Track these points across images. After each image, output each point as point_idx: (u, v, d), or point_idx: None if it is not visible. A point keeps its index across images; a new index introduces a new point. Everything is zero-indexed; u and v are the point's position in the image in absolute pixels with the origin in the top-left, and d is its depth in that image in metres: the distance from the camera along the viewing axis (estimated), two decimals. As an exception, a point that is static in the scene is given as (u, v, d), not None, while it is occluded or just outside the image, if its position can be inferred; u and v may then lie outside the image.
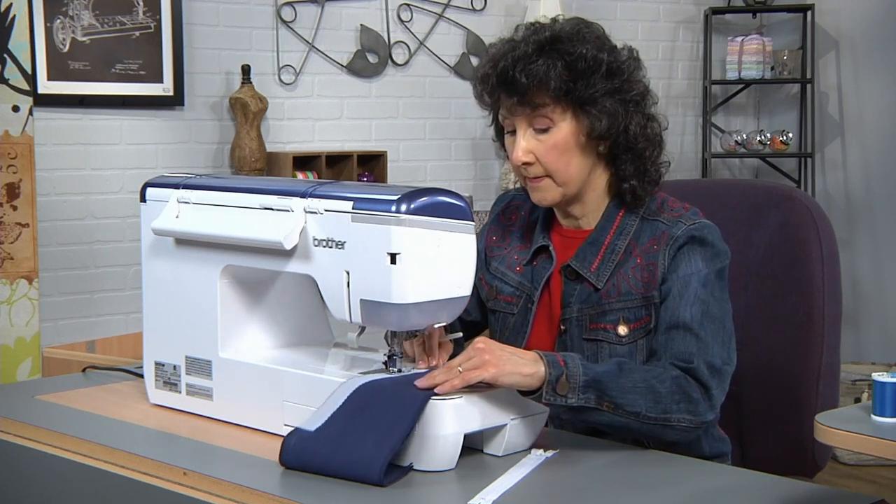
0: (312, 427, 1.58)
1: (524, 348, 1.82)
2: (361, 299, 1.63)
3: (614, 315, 1.85)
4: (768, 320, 2.13)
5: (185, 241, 1.85)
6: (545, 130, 1.84)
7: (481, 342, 1.65)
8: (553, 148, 1.84)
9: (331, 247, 1.65)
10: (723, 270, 1.86)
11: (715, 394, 1.77)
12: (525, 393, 1.66)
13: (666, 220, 1.87)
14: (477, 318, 2.06)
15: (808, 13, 5.36)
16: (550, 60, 1.81)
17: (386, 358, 1.72)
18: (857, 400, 4.46)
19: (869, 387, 1.93)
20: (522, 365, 1.64)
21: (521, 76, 1.81)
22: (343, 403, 1.60)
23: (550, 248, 1.92)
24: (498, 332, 1.97)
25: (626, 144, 1.86)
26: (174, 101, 4.31)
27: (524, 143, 1.85)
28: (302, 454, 1.56)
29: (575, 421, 1.74)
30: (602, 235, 1.89)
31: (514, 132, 1.88)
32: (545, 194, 1.88)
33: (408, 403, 1.57)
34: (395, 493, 1.49)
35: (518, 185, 2.01)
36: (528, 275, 1.94)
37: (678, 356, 1.78)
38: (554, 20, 1.89)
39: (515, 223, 2.02)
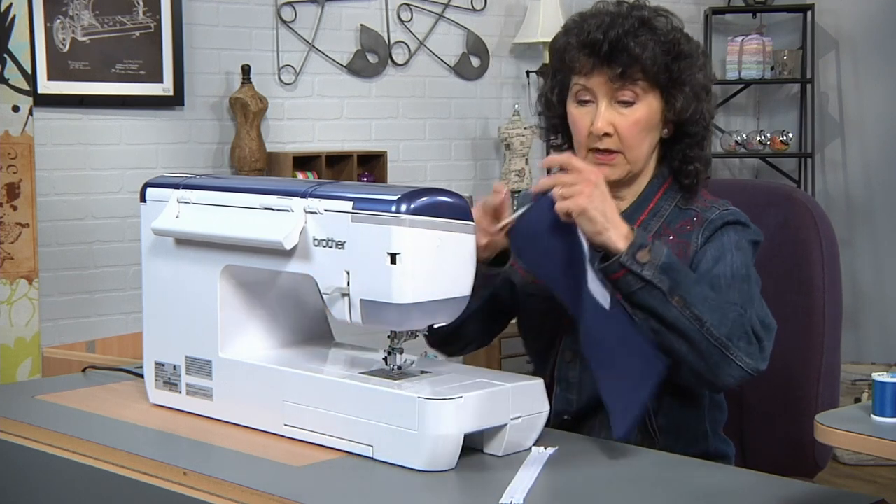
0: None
1: (564, 330, 1.86)
2: (361, 299, 1.63)
3: None
4: (768, 320, 2.12)
5: (185, 241, 1.85)
6: (629, 104, 1.84)
7: (591, 173, 1.69)
8: (635, 123, 1.84)
9: (331, 247, 1.65)
10: (756, 245, 1.86)
11: (766, 346, 1.74)
12: (601, 260, 1.68)
13: (698, 208, 1.88)
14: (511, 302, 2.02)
15: (808, 13, 5.36)
16: (654, 37, 1.82)
17: (385, 355, 1.72)
18: (857, 400, 4.46)
19: (869, 387, 1.93)
20: (612, 213, 1.68)
21: (634, 46, 1.80)
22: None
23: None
24: (537, 316, 1.95)
25: (696, 129, 1.87)
26: (174, 101, 4.31)
27: (606, 114, 1.84)
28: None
29: (638, 309, 1.70)
30: (637, 213, 1.89)
31: (586, 102, 1.87)
32: (612, 170, 1.86)
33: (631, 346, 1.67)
34: (396, 493, 1.49)
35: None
36: None
37: (731, 300, 1.76)
38: (638, 1, 1.90)
39: None
